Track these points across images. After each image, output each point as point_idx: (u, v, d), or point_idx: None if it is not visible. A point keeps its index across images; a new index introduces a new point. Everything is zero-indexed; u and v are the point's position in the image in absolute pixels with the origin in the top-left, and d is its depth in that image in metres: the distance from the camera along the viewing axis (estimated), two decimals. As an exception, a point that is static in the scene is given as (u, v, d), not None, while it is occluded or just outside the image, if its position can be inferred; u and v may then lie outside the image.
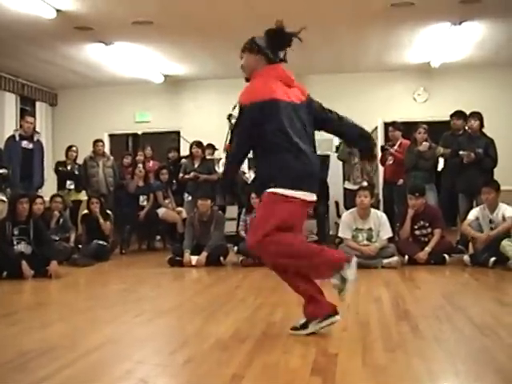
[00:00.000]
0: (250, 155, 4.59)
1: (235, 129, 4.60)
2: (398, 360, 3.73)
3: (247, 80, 4.67)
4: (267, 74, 4.52)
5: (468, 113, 9.93)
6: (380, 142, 13.46)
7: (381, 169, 12.03)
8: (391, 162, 10.78)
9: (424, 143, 10.05)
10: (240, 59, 4.73)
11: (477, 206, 9.05)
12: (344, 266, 4.32)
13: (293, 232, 4.42)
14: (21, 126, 10.53)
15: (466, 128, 9.94)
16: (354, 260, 4.37)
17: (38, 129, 10.72)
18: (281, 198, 4.33)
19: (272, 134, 4.36)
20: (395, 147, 10.78)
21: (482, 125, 9.65)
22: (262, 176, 4.59)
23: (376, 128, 13.76)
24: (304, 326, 4.48)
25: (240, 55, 4.73)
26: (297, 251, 4.35)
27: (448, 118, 10.42)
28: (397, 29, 10.95)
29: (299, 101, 4.61)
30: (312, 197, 4.48)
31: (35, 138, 10.33)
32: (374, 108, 13.89)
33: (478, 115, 9.67)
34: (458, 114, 10.21)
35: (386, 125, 13.41)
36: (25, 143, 10.13)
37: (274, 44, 4.62)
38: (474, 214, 8.67)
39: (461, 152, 9.43)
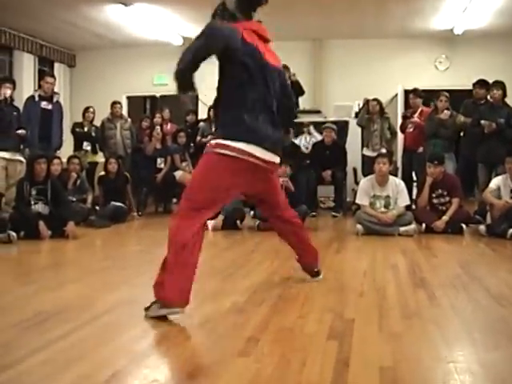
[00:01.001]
0: None
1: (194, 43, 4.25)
2: (414, 327, 3.73)
3: None
4: (242, 24, 4.22)
5: (490, 82, 9.82)
6: (400, 109, 13.40)
7: (400, 136, 11.96)
8: (411, 130, 10.70)
9: (445, 111, 9.94)
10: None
11: (496, 176, 8.97)
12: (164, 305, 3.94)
13: None
14: (40, 87, 10.49)
15: (488, 97, 9.82)
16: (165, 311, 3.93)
17: (55, 90, 10.66)
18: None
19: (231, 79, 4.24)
20: (416, 114, 10.69)
21: (504, 94, 9.52)
22: None
23: (396, 95, 13.69)
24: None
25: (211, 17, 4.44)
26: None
27: (469, 87, 10.31)
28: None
29: (276, 64, 4.43)
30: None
31: (54, 99, 10.29)
32: (395, 75, 13.80)
33: (500, 84, 9.54)
34: (481, 83, 10.08)
35: (407, 92, 13.33)
36: (44, 104, 10.09)
37: (244, 6, 4.35)
38: (495, 182, 8.60)
39: (482, 121, 9.31)
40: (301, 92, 12.15)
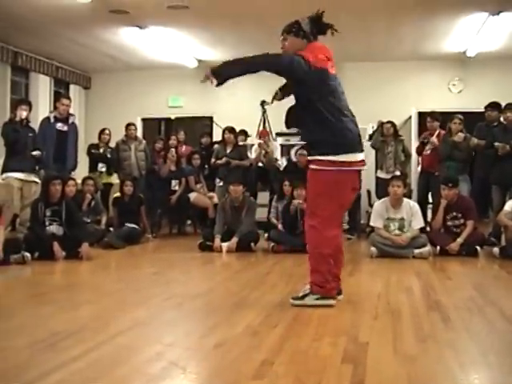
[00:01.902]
0: (294, 141, 5.08)
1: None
2: (429, 350, 3.70)
3: None
4: (311, 48, 4.93)
5: (504, 104, 9.81)
6: (414, 131, 13.42)
7: (414, 158, 11.97)
8: (429, 152, 10.68)
9: (459, 134, 9.95)
10: (282, 40, 5.06)
11: (510, 198, 8.95)
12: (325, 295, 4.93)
13: None
14: (55, 108, 10.55)
15: (502, 119, 9.82)
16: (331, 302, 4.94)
17: (71, 111, 10.73)
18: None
19: (324, 101, 4.85)
20: (434, 137, 10.67)
21: (518, 116, 9.52)
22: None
23: (410, 117, 13.69)
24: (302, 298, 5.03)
25: (283, 36, 5.06)
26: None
27: (483, 110, 10.31)
28: (433, 18, 10.81)
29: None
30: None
31: (70, 121, 10.33)
32: (408, 97, 13.83)
33: (514, 107, 9.56)
34: (493, 106, 10.10)
35: (420, 114, 13.36)
36: (59, 125, 10.14)
37: (315, 30, 5.03)
38: (510, 205, 8.58)
39: (496, 144, 9.32)
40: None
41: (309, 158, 5.10)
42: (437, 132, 10.70)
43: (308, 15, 5.09)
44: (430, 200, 10.54)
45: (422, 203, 10.20)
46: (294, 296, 5.07)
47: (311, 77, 4.77)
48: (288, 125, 5.41)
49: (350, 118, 5.02)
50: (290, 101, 5.15)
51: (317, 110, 4.85)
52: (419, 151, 11.21)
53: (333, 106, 4.89)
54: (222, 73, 4.78)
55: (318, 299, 4.93)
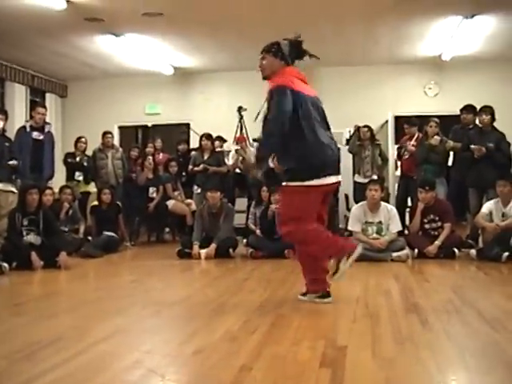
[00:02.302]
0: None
1: (270, 113, 4.99)
2: (407, 352, 3.72)
3: (265, 78, 5.26)
4: (287, 73, 5.15)
5: (479, 107, 9.87)
6: (390, 135, 13.49)
7: (392, 162, 12.04)
8: (407, 157, 10.73)
9: (435, 137, 10.02)
10: (261, 59, 5.27)
11: (487, 200, 9.01)
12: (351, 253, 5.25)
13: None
14: (31, 117, 10.50)
15: (477, 122, 9.89)
16: (358, 250, 5.30)
17: (47, 120, 10.69)
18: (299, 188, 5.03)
19: (297, 123, 4.96)
20: (412, 141, 10.71)
21: (493, 119, 9.59)
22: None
23: (386, 121, 13.75)
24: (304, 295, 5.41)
25: (262, 55, 5.26)
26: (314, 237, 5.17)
27: (459, 113, 10.37)
28: (408, 21, 10.88)
29: (315, 94, 5.34)
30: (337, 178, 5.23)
31: (46, 129, 10.28)
32: (385, 101, 13.89)
33: (489, 109, 9.61)
34: (468, 109, 10.16)
35: (397, 118, 13.43)
36: (35, 134, 10.09)
37: (294, 53, 5.26)
38: (487, 207, 8.65)
39: (472, 146, 9.38)
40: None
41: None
42: (415, 136, 10.75)
43: (288, 38, 5.29)
44: (410, 204, 10.58)
45: (401, 207, 10.25)
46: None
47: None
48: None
49: (325, 141, 5.12)
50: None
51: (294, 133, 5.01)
52: (399, 157, 11.28)
53: (307, 128, 5.03)
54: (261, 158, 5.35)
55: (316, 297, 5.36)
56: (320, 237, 5.21)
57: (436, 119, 10.28)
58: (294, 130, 4.94)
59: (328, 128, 5.34)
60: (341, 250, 5.29)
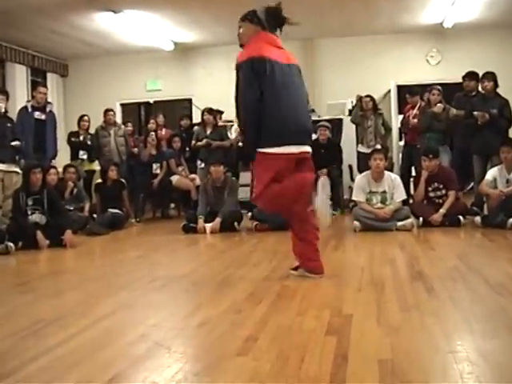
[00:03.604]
0: None
1: (238, 93, 4.95)
2: (412, 320, 3.72)
3: (241, 46, 5.14)
4: (260, 38, 5.01)
5: (481, 74, 9.81)
6: (393, 104, 13.44)
7: (395, 131, 12.03)
8: (410, 127, 10.71)
9: (438, 105, 9.97)
10: (238, 28, 5.21)
11: (491, 167, 8.97)
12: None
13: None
14: (33, 97, 10.49)
15: (480, 89, 9.83)
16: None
17: (49, 100, 10.67)
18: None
19: (268, 92, 4.84)
20: (414, 111, 10.69)
21: (496, 85, 9.52)
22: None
23: (389, 91, 13.70)
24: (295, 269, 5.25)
25: (239, 24, 5.20)
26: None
27: (461, 80, 10.30)
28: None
29: (290, 60, 5.14)
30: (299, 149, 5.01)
31: (48, 109, 10.28)
32: (387, 71, 13.81)
33: (491, 75, 9.53)
34: (470, 75, 10.09)
35: (399, 87, 13.37)
36: (37, 114, 10.09)
37: (271, 21, 5.09)
38: (491, 174, 8.61)
39: (475, 113, 9.32)
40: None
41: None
42: (418, 105, 10.72)
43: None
44: (414, 173, 10.56)
45: (405, 176, 10.24)
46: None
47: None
48: None
49: (288, 110, 4.94)
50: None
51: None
52: (404, 132, 11.32)
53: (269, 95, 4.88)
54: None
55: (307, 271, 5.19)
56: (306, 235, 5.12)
57: (438, 87, 10.22)
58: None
59: (303, 98, 5.19)
60: (308, 260, 5.17)
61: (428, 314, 3.82)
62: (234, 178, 10.00)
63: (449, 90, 10.70)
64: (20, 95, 13.41)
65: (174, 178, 11.40)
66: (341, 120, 12.35)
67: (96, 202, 10.40)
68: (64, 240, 8.00)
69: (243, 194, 10.45)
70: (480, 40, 13.51)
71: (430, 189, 8.72)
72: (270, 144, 4.85)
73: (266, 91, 4.83)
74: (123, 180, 10.64)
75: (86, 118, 11.63)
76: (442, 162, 9.06)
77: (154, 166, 11.40)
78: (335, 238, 7.85)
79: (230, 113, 12.06)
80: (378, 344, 3.25)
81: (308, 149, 5.11)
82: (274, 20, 5.11)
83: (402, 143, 11.97)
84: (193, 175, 11.60)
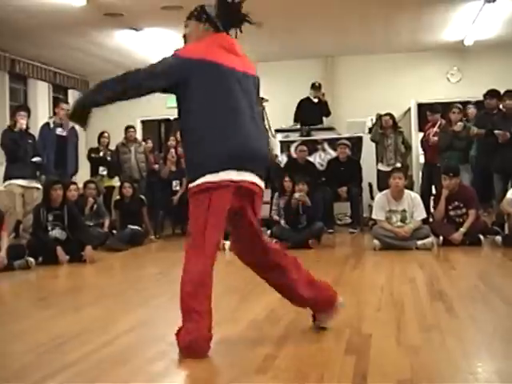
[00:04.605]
0: (293, 138, 4.28)
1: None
2: (432, 340, 3.70)
3: None
4: (210, 39, 3.98)
5: (502, 91, 9.77)
6: (413, 123, 13.41)
7: (415, 149, 12.00)
8: (430, 145, 10.68)
9: (458, 123, 9.94)
10: (184, 27, 4.19)
11: (512, 186, 8.94)
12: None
13: None
14: (55, 114, 10.55)
15: (501, 107, 9.79)
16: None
17: (70, 116, 10.73)
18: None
19: (197, 104, 3.85)
20: (435, 129, 10.67)
21: (518, 103, 9.49)
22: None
23: (409, 109, 13.68)
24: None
25: (185, 23, 4.16)
26: None
27: (482, 98, 10.28)
28: (430, 8, 10.79)
29: (249, 70, 4.07)
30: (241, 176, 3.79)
31: (69, 125, 10.33)
32: (407, 89, 13.79)
33: (513, 94, 9.52)
34: (491, 94, 10.05)
35: (420, 105, 13.36)
36: (59, 130, 10.15)
37: (224, 16, 4.05)
38: (512, 192, 8.57)
39: (496, 131, 9.28)
40: (327, 113, 12.45)
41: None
42: (438, 123, 10.69)
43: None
44: (434, 192, 10.52)
45: (425, 195, 10.20)
46: None
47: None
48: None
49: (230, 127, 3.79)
50: (297, 96, 4.98)
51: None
52: (424, 149, 11.30)
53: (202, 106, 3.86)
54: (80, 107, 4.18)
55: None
56: None
57: (459, 105, 10.20)
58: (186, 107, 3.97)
59: (258, 117, 4.04)
60: None
61: (448, 334, 3.80)
62: (253, 196, 9.98)
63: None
64: (41, 112, 13.54)
65: (194, 195, 11.40)
66: (361, 138, 12.33)
67: (115, 218, 10.43)
68: (84, 256, 8.02)
69: (263, 211, 10.43)
70: (501, 58, 13.47)
71: (450, 207, 8.68)
72: (204, 171, 3.75)
73: (203, 100, 3.82)
74: (142, 197, 10.66)
75: (105, 134, 11.69)
76: (462, 181, 9.01)
77: (174, 182, 11.41)
78: (354, 256, 7.84)
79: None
80: (398, 364, 3.24)
81: (257, 180, 3.93)
82: (228, 17, 4.07)
83: (422, 161, 11.95)
84: (212, 192, 11.59)
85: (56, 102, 12.07)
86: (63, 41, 12.15)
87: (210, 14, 4.02)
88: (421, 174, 11.67)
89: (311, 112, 12.68)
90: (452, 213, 8.68)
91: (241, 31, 4.15)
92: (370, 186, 11.73)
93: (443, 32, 12.53)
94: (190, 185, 3.87)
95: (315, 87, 12.69)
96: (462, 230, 8.39)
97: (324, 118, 13.01)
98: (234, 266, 7.80)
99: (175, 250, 9.22)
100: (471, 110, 10.95)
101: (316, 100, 12.69)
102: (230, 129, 3.76)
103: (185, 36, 4.19)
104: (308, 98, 12.75)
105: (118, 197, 10.60)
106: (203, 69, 3.83)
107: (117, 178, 11.65)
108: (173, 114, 15.02)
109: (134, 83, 4.08)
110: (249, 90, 3.98)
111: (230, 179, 3.72)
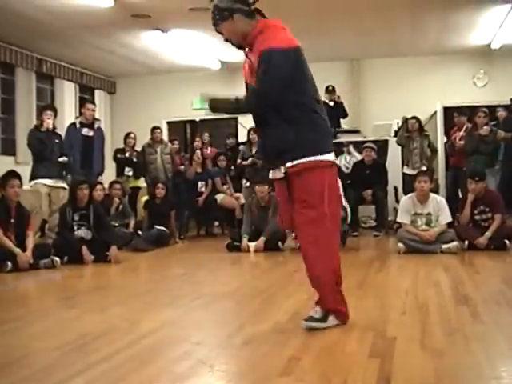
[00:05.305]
0: None
1: (264, 76, 3.96)
2: (456, 344, 3.69)
3: (240, 47, 4.25)
4: (270, 25, 4.10)
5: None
6: (439, 126, 13.36)
7: (441, 153, 11.97)
8: (456, 149, 10.64)
9: (485, 127, 9.91)
10: (221, 34, 4.29)
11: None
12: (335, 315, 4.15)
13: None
14: (81, 114, 10.60)
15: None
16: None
17: (96, 116, 10.79)
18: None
19: (301, 92, 4.05)
20: (461, 132, 10.64)
21: (544, 108, 9.46)
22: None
23: (435, 112, 13.63)
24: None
25: (217, 31, 4.29)
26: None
27: (509, 102, 10.23)
28: (456, 11, 10.76)
29: None
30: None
31: (96, 126, 10.38)
32: (433, 92, 13.74)
33: (540, 98, 9.49)
34: (519, 98, 10.04)
35: (446, 109, 13.30)
36: (85, 130, 10.20)
37: (243, 2, 4.14)
38: (539, 197, 8.52)
39: (522, 136, 9.26)
40: (344, 114, 12.41)
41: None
42: (465, 127, 10.66)
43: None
44: (460, 196, 10.48)
45: (451, 198, 10.15)
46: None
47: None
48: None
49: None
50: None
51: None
52: (450, 154, 11.26)
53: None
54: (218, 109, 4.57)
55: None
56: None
57: (485, 109, 10.17)
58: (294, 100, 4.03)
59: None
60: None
61: (472, 338, 3.79)
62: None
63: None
64: (68, 111, 13.64)
65: (219, 197, 11.46)
66: (386, 141, 12.30)
67: (142, 219, 10.47)
68: (109, 256, 8.08)
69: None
70: (528, 62, 13.40)
71: (475, 212, 8.63)
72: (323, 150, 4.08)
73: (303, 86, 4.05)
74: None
75: (132, 135, 11.74)
76: (488, 185, 8.97)
77: (200, 184, 11.47)
78: (379, 259, 7.83)
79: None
80: (422, 368, 3.23)
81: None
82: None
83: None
84: (237, 194, 11.65)
85: (82, 102, 12.14)
86: (90, 41, 12.24)
87: (228, 6, 4.10)
88: (446, 177, 11.63)
89: (328, 115, 12.66)
90: (477, 217, 8.64)
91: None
92: (396, 189, 11.70)
93: (470, 35, 12.47)
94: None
95: (329, 90, 12.65)
96: (488, 234, 8.34)
97: (342, 120, 13.02)
98: (258, 269, 7.89)
99: (200, 252, 9.34)
100: (500, 113, 10.91)
101: (332, 103, 12.65)
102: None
103: (227, 40, 4.27)
104: (324, 102, 12.74)
105: (145, 197, 10.66)
106: (297, 57, 4.02)
107: (142, 179, 11.72)
108: (198, 116, 15.23)
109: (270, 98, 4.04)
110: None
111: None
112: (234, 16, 4.11)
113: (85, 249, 8.01)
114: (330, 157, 4.12)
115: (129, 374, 3.27)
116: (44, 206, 9.33)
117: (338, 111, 12.79)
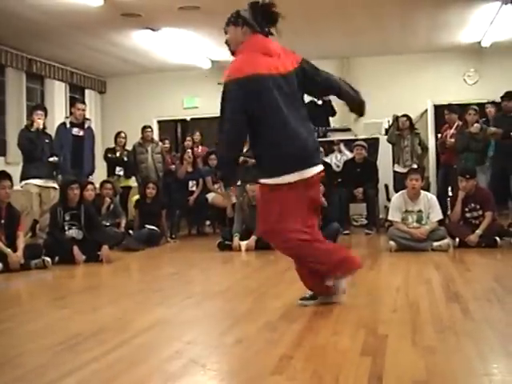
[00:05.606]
0: None
1: (223, 113, 4.44)
2: (448, 341, 3.70)
3: (233, 54, 4.62)
4: (247, 47, 4.46)
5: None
6: (430, 124, 13.41)
7: (431, 151, 11.97)
8: (447, 146, 10.66)
9: (475, 125, 9.92)
10: (224, 34, 4.68)
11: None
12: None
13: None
14: (71, 114, 10.56)
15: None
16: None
17: (87, 116, 10.76)
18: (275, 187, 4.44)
19: (261, 113, 4.36)
20: (452, 130, 10.65)
21: (535, 106, 9.46)
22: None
23: (426, 110, 13.66)
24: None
25: (224, 29, 4.68)
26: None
27: (499, 100, 10.25)
28: (447, 9, 10.76)
29: (285, 71, 4.48)
30: (309, 173, 4.47)
31: (86, 125, 10.33)
32: (424, 90, 13.78)
33: (530, 96, 9.50)
34: (510, 95, 10.01)
35: (436, 107, 13.33)
36: (75, 130, 10.16)
37: (260, 18, 4.52)
38: (529, 194, 8.54)
39: (512, 133, 9.27)
40: (332, 113, 12.35)
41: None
42: (455, 124, 10.67)
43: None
44: (451, 194, 10.50)
45: (442, 196, 10.17)
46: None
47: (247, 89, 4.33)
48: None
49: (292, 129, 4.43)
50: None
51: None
52: (441, 152, 11.28)
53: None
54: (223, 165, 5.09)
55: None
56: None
57: (475, 107, 10.19)
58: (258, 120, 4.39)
59: (301, 113, 4.58)
60: (339, 263, 4.67)
61: (463, 335, 3.80)
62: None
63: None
64: (58, 111, 13.58)
65: (211, 196, 11.46)
66: (377, 139, 12.31)
67: (134, 218, 10.46)
68: (100, 255, 8.06)
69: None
70: (519, 59, 13.43)
71: (466, 209, 8.65)
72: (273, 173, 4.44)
73: (259, 114, 4.37)
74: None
75: (122, 134, 11.71)
76: (478, 183, 8.99)
77: (191, 183, 11.47)
78: (370, 257, 7.83)
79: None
80: (413, 365, 3.24)
81: (318, 169, 4.57)
82: (264, 17, 4.52)
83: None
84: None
85: (72, 102, 12.09)
86: (80, 41, 12.20)
87: (246, 17, 4.50)
88: (436, 175, 11.65)
89: (316, 114, 12.65)
90: (468, 215, 8.65)
91: (276, 30, 4.56)
92: (387, 187, 11.72)
93: (460, 33, 12.49)
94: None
95: (318, 89, 12.61)
96: (478, 231, 8.36)
97: (332, 119, 13.02)
98: (249, 268, 7.90)
99: (191, 251, 9.34)
100: (489, 110, 10.92)
101: (320, 102, 12.62)
102: (283, 142, 4.38)
103: (227, 42, 4.63)
104: (312, 101, 12.72)
105: (136, 196, 10.65)
106: (249, 85, 4.29)
107: (133, 179, 11.70)
108: (189, 115, 15.19)
109: (235, 138, 4.55)
110: (289, 91, 4.44)
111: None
112: (244, 27, 4.51)
113: (76, 249, 8.00)
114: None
115: (120, 373, 3.26)
116: (35, 206, 9.29)
117: (327, 110, 12.78)
